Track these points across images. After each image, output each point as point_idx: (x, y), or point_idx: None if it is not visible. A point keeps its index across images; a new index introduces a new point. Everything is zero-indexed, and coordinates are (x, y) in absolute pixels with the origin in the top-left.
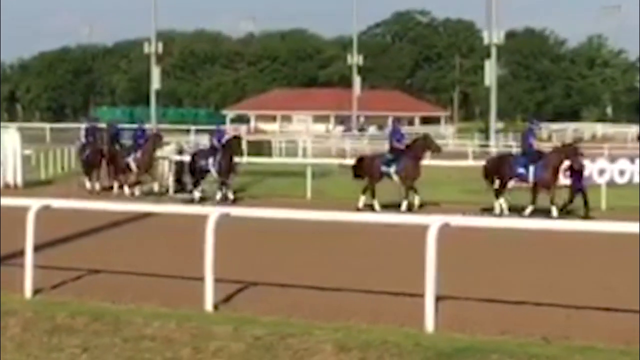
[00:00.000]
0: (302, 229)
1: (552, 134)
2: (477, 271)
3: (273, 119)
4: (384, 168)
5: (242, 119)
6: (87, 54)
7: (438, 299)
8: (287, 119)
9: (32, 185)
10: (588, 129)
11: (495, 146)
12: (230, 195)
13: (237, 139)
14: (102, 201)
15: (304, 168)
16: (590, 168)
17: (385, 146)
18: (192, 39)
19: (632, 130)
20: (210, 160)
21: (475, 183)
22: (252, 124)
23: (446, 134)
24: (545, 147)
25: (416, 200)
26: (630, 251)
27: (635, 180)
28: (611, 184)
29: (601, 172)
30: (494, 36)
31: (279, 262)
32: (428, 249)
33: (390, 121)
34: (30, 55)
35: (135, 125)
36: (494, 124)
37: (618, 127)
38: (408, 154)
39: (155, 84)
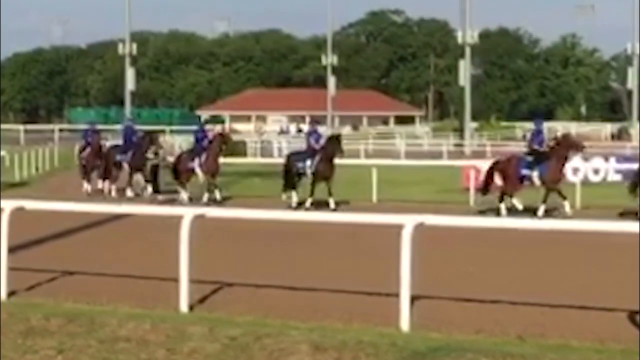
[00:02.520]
0: (277, 229)
1: (526, 134)
2: (452, 270)
3: (248, 119)
4: (525, 171)
5: (216, 120)
6: (61, 55)
7: (413, 298)
8: (261, 119)
9: (6, 187)
10: (562, 127)
11: (470, 145)
12: (332, 204)
13: (337, 138)
14: (76, 202)
15: (278, 168)
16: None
17: (356, 147)
18: (167, 40)
19: (606, 128)
20: (308, 162)
21: (451, 182)
22: (227, 124)
23: (421, 133)
24: (519, 146)
25: (567, 207)
26: (605, 249)
27: (610, 178)
28: (585, 182)
29: (575, 170)
30: (468, 36)
31: (254, 263)
32: (403, 248)
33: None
34: (3, 56)
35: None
36: (469, 124)
37: (592, 125)
38: (552, 156)
39: (130, 84)
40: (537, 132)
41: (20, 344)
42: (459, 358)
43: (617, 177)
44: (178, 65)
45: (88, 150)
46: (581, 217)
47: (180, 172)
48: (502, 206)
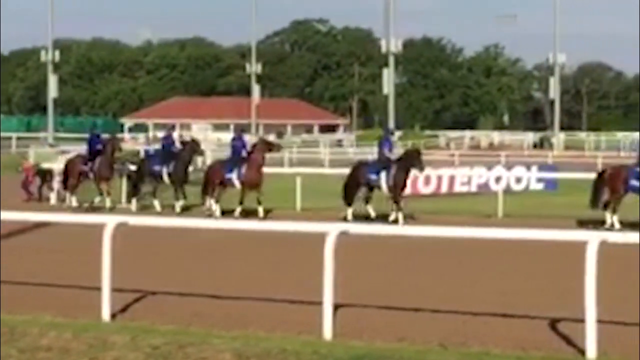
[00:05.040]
0: (201, 238)
1: (450, 142)
2: (374, 279)
3: (172, 127)
4: (634, 182)
5: (140, 128)
6: None
7: (336, 306)
8: (186, 127)
9: None
10: (485, 136)
11: (394, 154)
12: (400, 217)
13: (416, 151)
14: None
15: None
16: (486, 175)
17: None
18: (90, 47)
19: (528, 137)
20: (383, 174)
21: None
22: (151, 132)
23: (344, 140)
24: (442, 155)
25: None
26: (526, 257)
27: (531, 187)
28: (508, 191)
29: (498, 179)
30: (392, 45)
31: (177, 271)
32: (326, 257)
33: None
34: None
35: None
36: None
37: (514, 135)
38: None
39: (53, 92)
40: None
41: None
42: None
43: (539, 186)
44: (101, 73)
45: (99, 159)
46: (503, 226)
47: (211, 183)
48: (608, 215)
